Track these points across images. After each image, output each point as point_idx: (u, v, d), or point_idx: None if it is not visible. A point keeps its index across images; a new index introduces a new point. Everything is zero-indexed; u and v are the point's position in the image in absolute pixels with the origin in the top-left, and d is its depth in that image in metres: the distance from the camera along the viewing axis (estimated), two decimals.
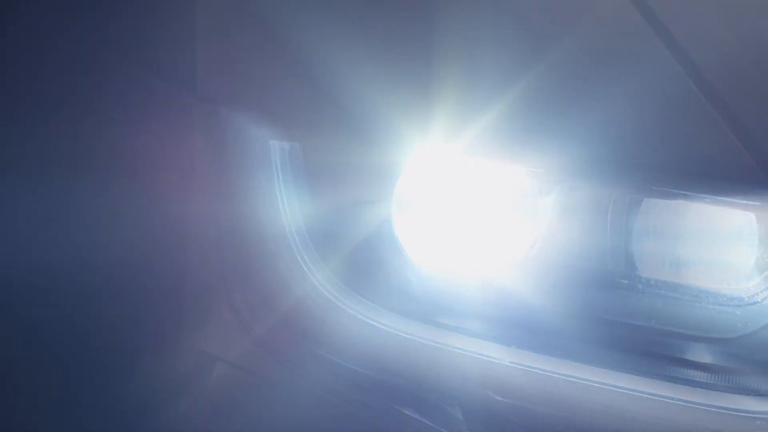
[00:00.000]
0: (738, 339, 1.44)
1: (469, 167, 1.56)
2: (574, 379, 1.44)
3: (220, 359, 1.59)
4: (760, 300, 1.47)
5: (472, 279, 1.59)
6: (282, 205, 1.58)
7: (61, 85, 1.55)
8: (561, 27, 1.22)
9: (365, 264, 1.64)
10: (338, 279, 1.59)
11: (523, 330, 1.54)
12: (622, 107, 1.23)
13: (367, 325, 1.56)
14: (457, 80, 1.33)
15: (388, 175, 1.60)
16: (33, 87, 1.56)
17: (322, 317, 1.56)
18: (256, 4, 1.44)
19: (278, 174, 1.58)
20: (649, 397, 1.40)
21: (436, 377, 1.52)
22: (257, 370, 1.59)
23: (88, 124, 1.55)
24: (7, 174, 1.57)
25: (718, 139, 1.19)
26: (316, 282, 1.58)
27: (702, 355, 1.46)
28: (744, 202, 1.41)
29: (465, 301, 1.60)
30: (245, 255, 1.57)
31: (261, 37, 1.46)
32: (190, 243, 1.54)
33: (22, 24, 1.52)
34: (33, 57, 1.53)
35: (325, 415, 1.58)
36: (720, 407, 1.35)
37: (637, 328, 1.50)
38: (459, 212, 1.60)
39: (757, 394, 1.37)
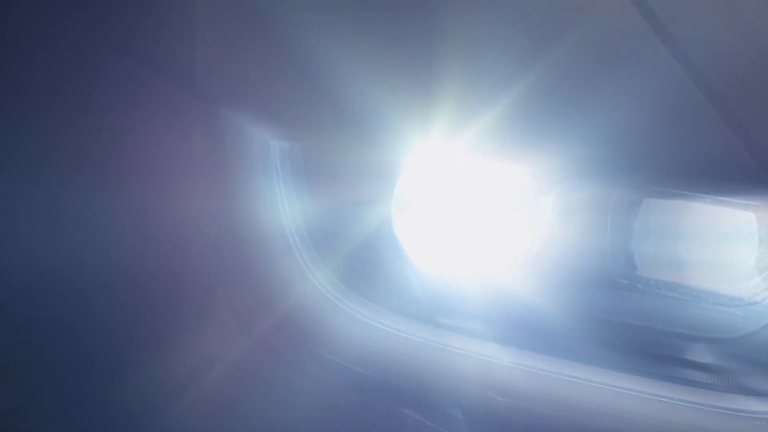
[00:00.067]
0: (738, 339, 1.44)
1: (469, 167, 1.56)
2: (574, 379, 1.44)
3: (220, 359, 1.59)
4: (760, 300, 1.47)
5: (472, 279, 1.59)
6: (282, 205, 1.58)
7: (60, 84, 1.55)
8: (561, 27, 1.22)
9: (365, 264, 1.64)
10: (338, 279, 1.59)
11: (524, 330, 1.54)
12: (623, 107, 1.22)
13: (367, 326, 1.56)
14: (458, 80, 1.32)
15: (388, 175, 1.60)
16: (31, 86, 1.56)
17: (322, 317, 1.56)
18: (256, 3, 1.43)
19: (278, 174, 1.58)
20: (650, 397, 1.40)
21: (436, 377, 1.52)
22: (257, 370, 1.59)
23: (86, 123, 1.55)
24: (3, 173, 1.57)
25: (718, 139, 1.19)
26: (316, 282, 1.58)
27: (702, 355, 1.46)
28: (744, 202, 1.41)
29: (465, 301, 1.60)
30: (245, 255, 1.57)
31: (261, 37, 1.45)
32: (189, 243, 1.54)
33: (21, 23, 1.52)
34: (31, 56, 1.53)
35: (325, 416, 1.58)
36: (720, 407, 1.35)
37: (637, 328, 1.50)
38: (459, 212, 1.60)
39: (757, 394, 1.37)
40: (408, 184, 1.61)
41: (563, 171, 1.43)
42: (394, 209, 1.61)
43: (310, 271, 1.56)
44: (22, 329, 1.58)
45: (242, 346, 1.57)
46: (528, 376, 1.46)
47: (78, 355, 1.58)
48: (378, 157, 1.54)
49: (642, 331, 1.51)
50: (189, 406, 1.57)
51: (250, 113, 1.54)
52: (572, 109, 1.27)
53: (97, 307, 1.56)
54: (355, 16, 1.39)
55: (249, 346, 1.57)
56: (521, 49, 1.25)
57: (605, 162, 1.32)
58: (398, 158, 1.56)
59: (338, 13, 1.38)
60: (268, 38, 1.44)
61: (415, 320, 1.56)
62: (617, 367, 1.45)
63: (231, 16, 1.44)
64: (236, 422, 1.60)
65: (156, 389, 1.57)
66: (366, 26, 1.39)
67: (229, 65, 1.50)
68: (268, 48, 1.45)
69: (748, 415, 1.35)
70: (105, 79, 1.52)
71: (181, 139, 1.51)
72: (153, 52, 1.49)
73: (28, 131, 1.53)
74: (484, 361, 1.49)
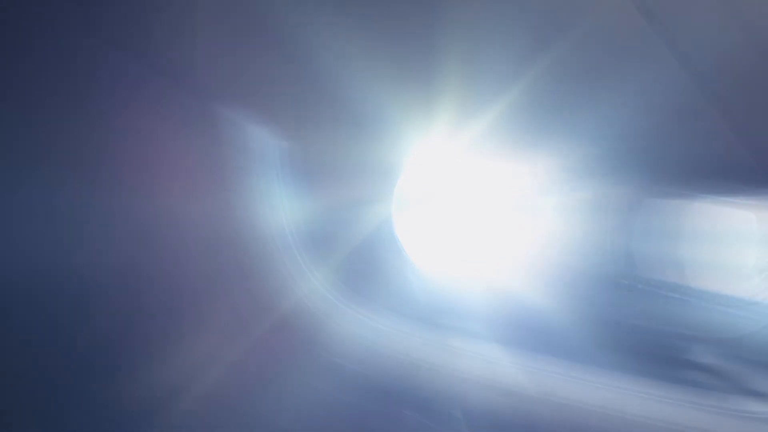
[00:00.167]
0: (739, 339, 1.44)
1: (470, 167, 1.56)
2: (574, 380, 1.44)
3: (220, 360, 1.58)
4: (760, 300, 1.46)
5: (473, 279, 1.59)
6: (281, 205, 1.58)
7: (58, 82, 1.55)
8: (562, 27, 1.22)
9: (365, 264, 1.64)
10: (338, 279, 1.59)
11: (524, 331, 1.54)
12: (624, 108, 1.22)
13: (367, 326, 1.55)
14: (458, 79, 1.32)
15: (388, 174, 1.60)
16: (28, 84, 1.56)
17: (322, 318, 1.56)
18: (257, 3, 1.43)
19: (277, 173, 1.58)
20: (650, 397, 1.39)
21: (436, 378, 1.52)
22: (258, 370, 1.58)
23: (84, 122, 1.55)
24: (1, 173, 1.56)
25: (719, 139, 1.19)
26: (315, 282, 1.57)
27: (703, 355, 1.46)
28: (744, 202, 1.41)
29: (465, 302, 1.60)
30: (245, 255, 1.56)
31: (260, 35, 1.45)
32: (189, 243, 1.54)
33: (19, 22, 1.51)
34: (29, 54, 1.53)
35: (325, 416, 1.57)
36: (721, 408, 1.35)
37: (638, 328, 1.50)
38: (459, 212, 1.59)
39: (758, 394, 1.37)
40: (408, 183, 1.61)
41: (564, 171, 1.43)
42: (394, 209, 1.61)
43: (310, 271, 1.56)
44: (20, 331, 1.58)
45: (242, 346, 1.57)
46: (528, 376, 1.46)
47: (76, 356, 1.57)
48: (378, 156, 1.54)
49: (643, 331, 1.51)
50: (189, 406, 1.57)
51: (249, 112, 1.54)
52: (573, 109, 1.27)
53: (96, 309, 1.56)
54: (354, 15, 1.39)
55: (249, 346, 1.57)
56: (522, 49, 1.25)
57: (606, 162, 1.32)
58: (398, 158, 1.56)
59: (338, 11, 1.38)
60: (267, 37, 1.43)
61: (415, 320, 1.56)
62: (618, 368, 1.45)
63: (231, 14, 1.44)
64: (236, 422, 1.60)
65: (157, 389, 1.56)
66: (366, 25, 1.39)
67: (228, 64, 1.49)
68: (267, 47, 1.45)
69: (749, 416, 1.35)
70: (103, 78, 1.52)
71: (179, 138, 1.51)
72: (152, 50, 1.49)
73: (23, 130, 1.53)
74: (485, 361, 1.49)
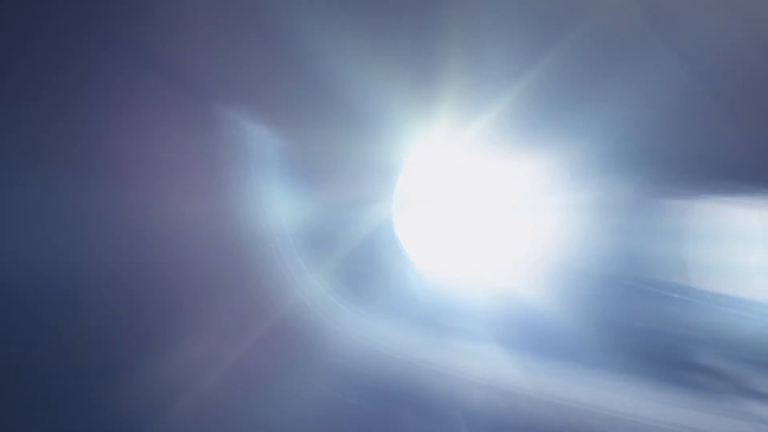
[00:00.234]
0: (742, 340, 1.44)
1: (471, 166, 1.56)
2: (575, 381, 1.43)
3: (218, 361, 1.58)
4: (763, 300, 1.46)
5: (474, 280, 1.59)
6: (281, 205, 1.57)
7: (54, 81, 1.54)
8: (565, 27, 1.21)
9: (365, 264, 1.63)
10: (338, 279, 1.58)
11: (525, 332, 1.53)
12: (626, 108, 1.22)
13: (367, 327, 1.55)
14: (459, 78, 1.32)
15: (389, 174, 1.59)
16: (25, 83, 1.55)
17: (321, 318, 1.56)
18: (256, 1, 1.43)
19: (277, 173, 1.57)
20: (652, 399, 1.39)
21: (436, 379, 1.51)
22: (257, 370, 1.58)
23: (80, 121, 1.54)
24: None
25: (722, 139, 1.18)
26: (315, 282, 1.57)
27: (706, 357, 1.45)
28: (747, 202, 1.40)
29: (466, 303, 1.59)
30: (244, 256, 1.56)
31: (259, 34, 1.45)
32: (188, 244, 1.53)
33: (17, 21, 1.51)
34: (26, 53, 1.52)
35: (324, 418, 1.57)
36: (724, 410, 1.35)
37: (640, 329, 1.50)
38: (460, 212, 1.59)
39: (760, 396, 1.36)
40: (408, 183, 1.60)
41: (565, 171, 1.43)
42: (394, 209, 1.61)
43: (310, 271, 1.56)
44: (17, 331, 1.57)
45: (241, 347, 1.57)
46: (529, 377, 1.46)
47: (74, 357, 1.57)
48: (378, 155, 1.53)
49: (644, 332, 1.50)
50: (188, 407, 1.57)
51: (248, 111, 1.54)
52: (574, 108, 1.27)
53: (96, 309, 1.55)
54: (354, 12, 1.38)
55: (248, 347, 1.57)
56: (525, 48, 1.25)
57: (609, 161, 1.31)
58: (398, 157, 1.55)
59: (337, 9, 1.38)
60: (266, 35, 1.43)
61: (415, 321, 1.56)
62: (619, 369, 1.44)
63: (230, 12, 1.43)
64: (236, 422, 1.60)
65: (156, 390, 1.56)
66: (365, 23, 1.38)
67: (226, 62, 1.49)
68: (266, 45, 1.44)
69: (750, 418, 1.34)
70: (100, 77, 1.51)
71: (177, 137, 1.50)
72: (148, 49, 1.48)
73: (18, 130, 1.52)
74: (485, 362, 1.49)
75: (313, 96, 1.47)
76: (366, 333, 1.56)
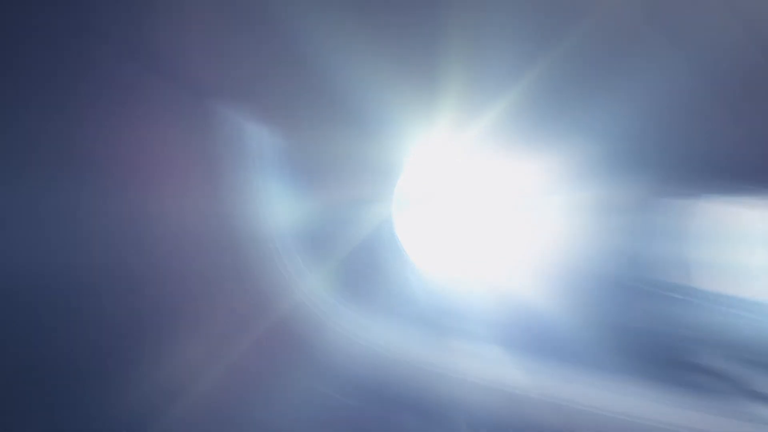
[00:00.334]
0: (744, 341, 1.43)
1: (472, 166, 1.55)
2: (576, 382, 1.43)
3: (218, 362, 1.57)
4: (765, 301, 1.46)
5: (474, 281, 1.58)
6: (281, 205, 1.56)
7: (50, 80, 1.53)
8: (568, 28, 1.21)
9: (365, 265, 1.63)
10: (338, 280, 1.57)
11: (526, 333, 1.53)
12: (630, 107, 1.21)
13: (367, 327, 1.54)
14: (460, 79, 1.31)
15: (389, 174, 1.59)
16: (25, 83, 1.54)
17: (321, 319, 1.55)
18: (255, 1, 1.42)
19: (277, 173, 1.57)
20: (652, 400, 1.39)
21: (437, 380, 1.50)
22: (256, 371, 1.57)
23: (77, 121, 1.53)
24: None
25: (726, 139, 1.18)
26: (315, 283, 1.56)
27: (708, 357, 1.45)
28: (750, 202, 1.40)
29: (467, 303, 1.59)
30: (244, 256, 1.55)
31: (258, 32, 1.44)
32: (187, 244, 1.52)
33: (15, 20, 1.50)
34: (23, 52, 1.51)
35: (324, 419, 1.56)
36: (725, 411, 1.34)
37: (642, 330, 1.49)
38: (461, 212, 1.59)
39: (762, 398, 1.36)
40: (408, 183, 1.60)
41: (566, 171, 1.42)
42: (394, 209, 1.60)
43: (309, 271, 1.55)
44: (16, 333, 1.56)
45: (241, 348, 1.56)
46: (530, 378, 1.45)
47: (76, 356, 1.56)
48: (378, 156, 1.53)
49: (646, 333, 1.50)
50: (188, 407, 1.56)
51: (248, 111, 1.53)
52: (577, 109, 1.26)
53: (95, 311, 1.54)
54: (354, 11, 1.38)
55: (247, 348, 1.56)
56: (527, 47, 1.24)
57: (611, 161, 1.31)
58: (398, 157, 1.55)
59: (337, 8, 1.37)
60: (266, 34, 1.42)
61: (415, 321, 1.55)
62: (621, 370, 1.44)
63: (229, 12, 1.43)
64: (235, 422, 1.59)
65: (156, 390, 1.55)
66: (366, 23, 1.38)
67: (227, 62, 1.48)
68: (266, 44, 1.43)
69: (752, 419, 1.34)
70: (98, 76, 1.50)
71: (177, 137, 1.49)
72: (147, 49, 1.47)
73: (18, 130, 1.51)
74: (486, 363, 1.48)
75: (313, 95, 1.47)
76: (366, 334, 1.55)
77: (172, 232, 1.52)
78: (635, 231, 1.51)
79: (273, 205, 1.56)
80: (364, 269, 1.63)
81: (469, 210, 1.58)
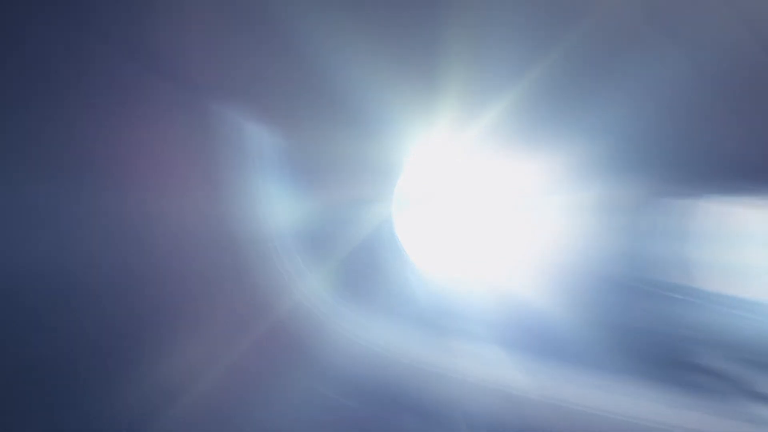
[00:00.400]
0: (745, 341, 1.43)
1: (472, 166, 1.55)
2: (576, 382, 1.43)
3: (218, 362, 1.57)
4: (766, 301, 1.45)
5: (474, 280, 1.58)
6: (281, 205, 1.56)
7: (50, 80, 1.53)
8: (568, 27, 1.21)
9: (365, 265, 1.62)
10: (338, 280, 1.57)
11: (526, 333, 1.53)
12: (630, 107, 1.21)
13: (367, 327, 1.54)
14: (461, 79, 1.31)
15: (389, 174, 1.59)
16: (24, 83, 1.54)
17: (321, 319, 1.55)
18: (255, 1, 1.42)
19: (277, 173, 1.56)
20: (653, 401, 1.38)
21: (437, 380, 1.50)
22: (256, 371, 1.57)
23: (76, 121, 1.53)
24: None
25: (727, 140, 1.18)
26: (315, 283, 1.56)
27: (709, 358, 1.45)
28: (751, 202, 1.40)
29: (467, 303, 1.59)
30: (244, 256, 1.55)
31: (258, 32, 1.44)
32: (187, 244, 1.52)
33: (15, 20, 1.50)
34: (22, 52, 1.51)
35: (324, 419, 1.56)
36: (726, 411, 1.34)
37: (642, 330, 1.49)
38: (461, 212, 1.58)
39: (762, 398, 1.36)
40: (408, 183, 1.60)
41: (567, 171, 1.42)
42: (394, 209, 1.60)
43: (309, 271, 1.55)
44: (15, 333, 1.56)
45: (240, 348, 1.56)
46: (530, 378, 1.45)
47: (76, 357, 1.55)
48: (378, 156, 1.53)
49: (647, 333, 1.50)
50: (188, 407, 1.55)
51: (248, 111, 1.53)
52: (578, 109, 1.26)
53: (94, 311, 1.54)
54: (355, 12, 1.37)
55: (247, 348, 1.55)
56: (527, 47, 1.24)
57: (611, 161, 1.30)
58: (399, 157, 1.55)
59: (337, 8, 1.37)
60: (266, 34, 1.42)
61: (415, 322, 1.55)
62: (621, 371, 1.44)
63: (229, 12, 1.42)
64: (235, 422, 1.58)
65: (156, 390, 1.55)
66: (366, 23, 1.38)
67: (227, 61, 1.48)
68: (266, 44, 1.43)
69: (752, 419, 1.34)
70: (98, 76, 1.50)
71: (177, 137, 1.49)
72: (147, 48, 1.47)
73: (18, 130, 1.51)
74: (486, 363, 1.48)
75: (313, 96, 1.47)
76: (365, 334, 1.55)
77: (172, 232, 1.52)
78: (635, 231, 1.51)
79: (273, 204, 1.56)
80: (364, 269, 1.63)
81: (469, 210, 1.58)
